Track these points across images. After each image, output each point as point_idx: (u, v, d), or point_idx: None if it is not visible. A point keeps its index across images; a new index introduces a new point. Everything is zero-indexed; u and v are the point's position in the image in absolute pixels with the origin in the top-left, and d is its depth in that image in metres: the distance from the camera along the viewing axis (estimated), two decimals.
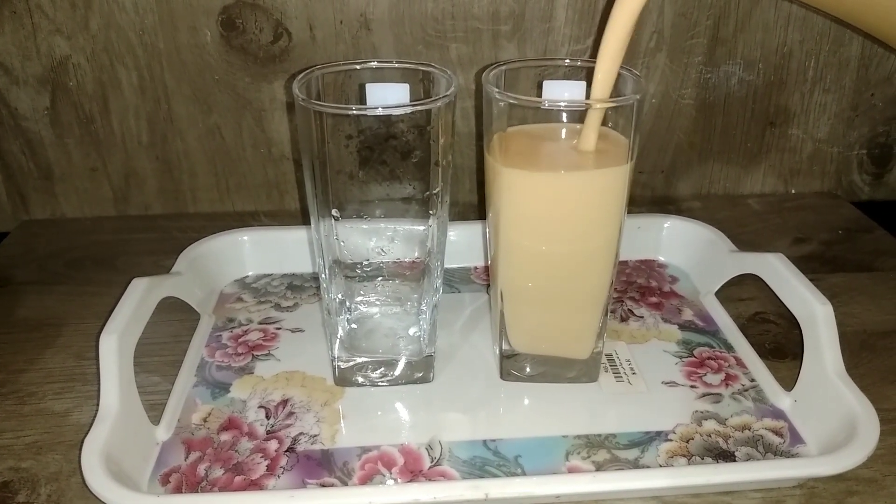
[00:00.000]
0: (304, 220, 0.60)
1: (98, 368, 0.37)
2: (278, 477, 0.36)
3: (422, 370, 0.42)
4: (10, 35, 0.55)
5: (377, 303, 0.42)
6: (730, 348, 0.45)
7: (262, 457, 0.37)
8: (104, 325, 0.38)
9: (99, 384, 0.36)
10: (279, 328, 0.47)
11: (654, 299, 0.50)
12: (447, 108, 0.36)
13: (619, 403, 0.41)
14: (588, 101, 0.38)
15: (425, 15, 0.56)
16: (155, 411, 0.40)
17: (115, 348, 0.37)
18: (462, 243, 0.52)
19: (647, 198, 0.64)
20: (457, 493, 0.33)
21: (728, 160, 0.64)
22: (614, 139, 0.38)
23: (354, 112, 0.36)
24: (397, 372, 0.42)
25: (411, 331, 0.42)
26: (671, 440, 0.38)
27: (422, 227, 0.39)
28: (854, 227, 0.60)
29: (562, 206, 0.38)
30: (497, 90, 0.37)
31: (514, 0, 0.56)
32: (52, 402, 0.42)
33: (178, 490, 0.35)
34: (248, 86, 0.58)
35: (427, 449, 0.38)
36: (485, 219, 0.42)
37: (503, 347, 0.42)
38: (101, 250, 0.57)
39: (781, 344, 0.46)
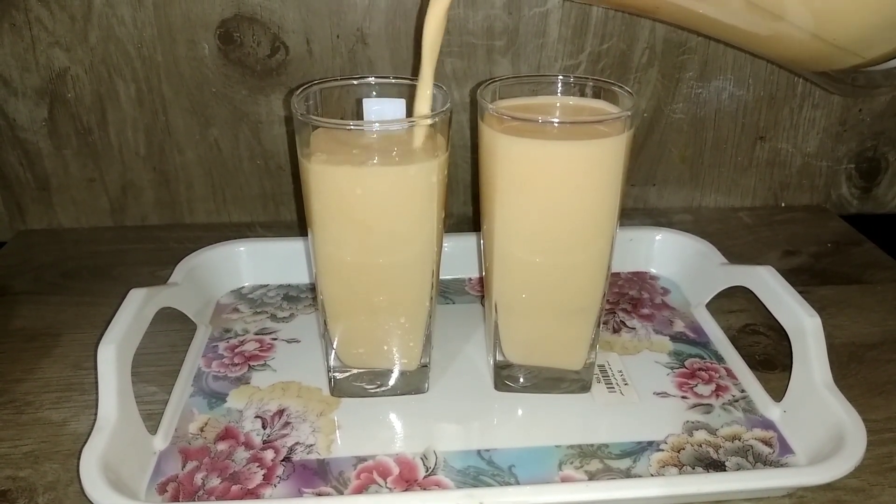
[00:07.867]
0: (300, 231, 0.61)
1: (96, 378, 0.37)
2: (275, 486, 0.36)
3: (417, 381, 0.43)
4: (9, 47, 0.55)
5: None
6: (720, 359, 0.46)
7: (258, 466, 0.38)
8: (102, 335, 0.38)
9: (97, 394, 0.37)
10: (275, 339, 0.48)
11: (645, 311, 0.51)
12: (443, 123, 0.37)
13: (612, 414, 0.41)
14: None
15: (421, 30, 0.56)
16: (152, 421, 0.40)
17: (113, 358, 0.37)
18: (457, 255, 0.53)
19: (638, 210, 0.65)
20: (451, 502, 0.33)
21: (719, 174, 0.65)
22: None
23: (352, 128, 0.36)
24: (392, 382, 0.42)
25: (406, 341, 0.42)
26: (662, 450, 0.39)
27: None
28: (843, 240, 0.61)
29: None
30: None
31: (509, 16, 0.56)
32: (50, 411, 0.42)
33: (175, 499, 0.36)
34: (245, 98, 0.58)
35: (422, 459, 0.38)
36: (479, 231, 0.43)
37: (497, 358, 0.43)
38: (98, 261, 0.57)
39: (771, 355, 0.46)
